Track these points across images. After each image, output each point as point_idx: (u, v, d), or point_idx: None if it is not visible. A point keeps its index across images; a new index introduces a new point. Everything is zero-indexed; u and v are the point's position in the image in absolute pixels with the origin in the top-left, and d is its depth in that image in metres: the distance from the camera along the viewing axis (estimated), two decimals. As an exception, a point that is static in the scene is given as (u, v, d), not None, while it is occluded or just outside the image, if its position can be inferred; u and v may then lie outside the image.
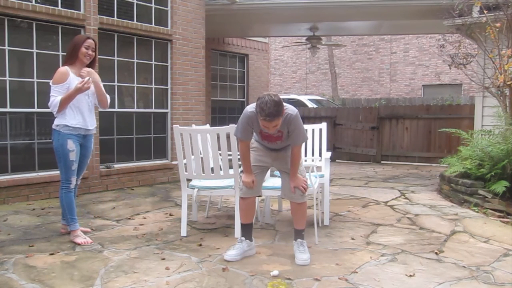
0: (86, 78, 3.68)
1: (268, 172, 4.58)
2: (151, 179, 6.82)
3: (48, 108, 3.76)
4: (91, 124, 3.91)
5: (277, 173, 4.39)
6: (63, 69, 3.77)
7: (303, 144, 3.81)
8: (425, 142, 9.50)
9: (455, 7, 6.23)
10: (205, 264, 3.28)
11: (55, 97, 3.68)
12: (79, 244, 3.71)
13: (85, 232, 3.98)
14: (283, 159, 3.48)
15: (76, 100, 3.73)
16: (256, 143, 3.55)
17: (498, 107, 6.10)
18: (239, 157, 3.88)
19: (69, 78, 3.73)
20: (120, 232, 4.14)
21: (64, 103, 3.67)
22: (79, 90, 3.66)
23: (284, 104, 3.19)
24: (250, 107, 3.28)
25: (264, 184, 4.17)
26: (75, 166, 3.81)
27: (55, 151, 3.78)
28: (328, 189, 4.58)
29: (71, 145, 3.74)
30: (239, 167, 3.88)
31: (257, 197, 4.04)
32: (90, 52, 3.83)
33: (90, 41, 3.84)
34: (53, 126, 3.77)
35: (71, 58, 3.82)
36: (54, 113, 3.75)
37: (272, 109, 2.99)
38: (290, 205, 3.52)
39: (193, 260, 3.36)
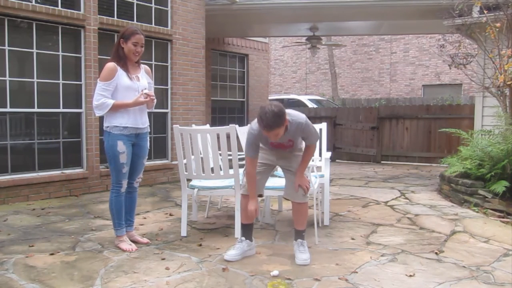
0: (151, 93, 3.55)
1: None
2: (151, 179, 6.81)
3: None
4: (143, 122, 3.64)
5: (277, 173, 4.39)
6: (111, 64, 3.48)
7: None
8: (425, 142, 9.50)
9: (455, 7, 6.23)
10: (205, 264, 3.28)
11: (106, 98, 3.42)
12: (124, 251, 3.54)
13: (136, 242, 3.74)
14: (288, 158, 3.46)
15: (127, 99, 3.50)
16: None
17: (498, 107, 6.10)
18: (239, 157, 3.89)
19: (117, 74, 3.48)
20: (120, 232, 4.13)
21: (115, 109, 3.45)
22: (138, 104, 3.49)
23: (292, 113, 3.19)
24: (254, 124, 3.24)
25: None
26: (126, 169, 3.57)
27: (106, 153, 3.57)
28: (328, 189, 4.57)
29: (121, 146, 3.50)
30: (239, 167, 3.88)
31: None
32: (138, 49, 3.54)
33: (138, 36, 3.52)
34: (104, 127, 3.55)
35: (117, 55, 3.53)
36: (98, 114, 3.49)
37: (271, 120, 2.98)
38: (291, 205, 3.52)
39: (193, 260, 3.36)
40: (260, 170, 3.47)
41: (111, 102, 3.43)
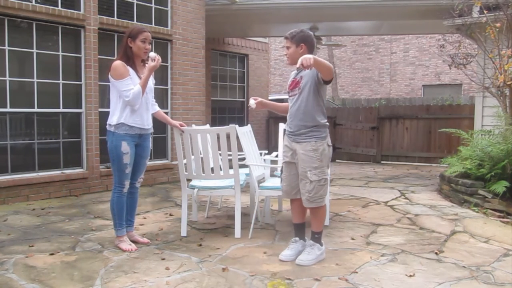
0: (154, 54, 3.49)
1: (268, 172, 4.59)
2: (151, 179, 6.81)
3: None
4: (148, 123, 3.63)
5: (277, 173, 4.39)
6: (118, 62, 3.47)
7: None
8: (425, 142, 9.50)
9: (455, 7, 6.23)
10: (205, 264, 3.28)
11: (131, 89, 3.41)
12: (124, 251, 3.55)
13: (136, 242, 3.74)
14: (300, 156, 3.39)
15: None
16: (284, 139, 3.53)
17: (498, 107, 6.10)
18: (239, 157, 3.89)
19: (129, 71, 3.49)
20: (120, 232, 4.13)
21: (143, 89, 3.46)
22: (153, 69, 3.48)
23: None
24: None
25: (264, 184, 4.18)
26: (129, 170, 3.56)
27: (109, 153, 3.54)
28: (328, 189, 4.57)
29: (125, 147, 3.48)
30: (239, 167, 3.88)
31: (257, 197, 4.06)
32: (147, 46, 3.54)
33: (146, 33, 3.52)
34: (108, 127, 3.53)
35: (125, 55, 3.53)
36: (136, 106, 3.46)
37: (292, 31, 3.37)
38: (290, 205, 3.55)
39: (193, 260, 3.37)
40: (286, 172, 3.46)
41: (138, 87, 3.44)
